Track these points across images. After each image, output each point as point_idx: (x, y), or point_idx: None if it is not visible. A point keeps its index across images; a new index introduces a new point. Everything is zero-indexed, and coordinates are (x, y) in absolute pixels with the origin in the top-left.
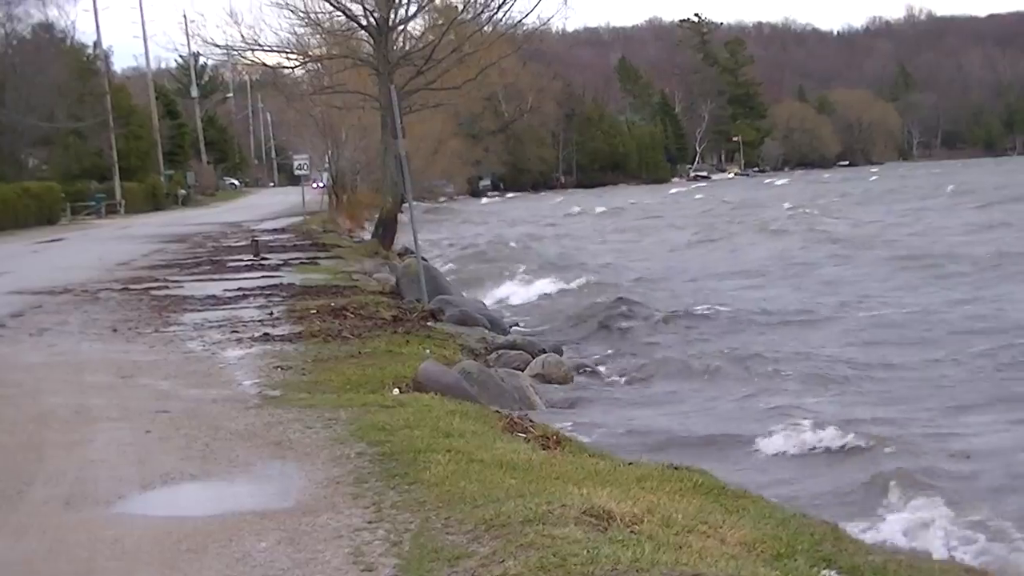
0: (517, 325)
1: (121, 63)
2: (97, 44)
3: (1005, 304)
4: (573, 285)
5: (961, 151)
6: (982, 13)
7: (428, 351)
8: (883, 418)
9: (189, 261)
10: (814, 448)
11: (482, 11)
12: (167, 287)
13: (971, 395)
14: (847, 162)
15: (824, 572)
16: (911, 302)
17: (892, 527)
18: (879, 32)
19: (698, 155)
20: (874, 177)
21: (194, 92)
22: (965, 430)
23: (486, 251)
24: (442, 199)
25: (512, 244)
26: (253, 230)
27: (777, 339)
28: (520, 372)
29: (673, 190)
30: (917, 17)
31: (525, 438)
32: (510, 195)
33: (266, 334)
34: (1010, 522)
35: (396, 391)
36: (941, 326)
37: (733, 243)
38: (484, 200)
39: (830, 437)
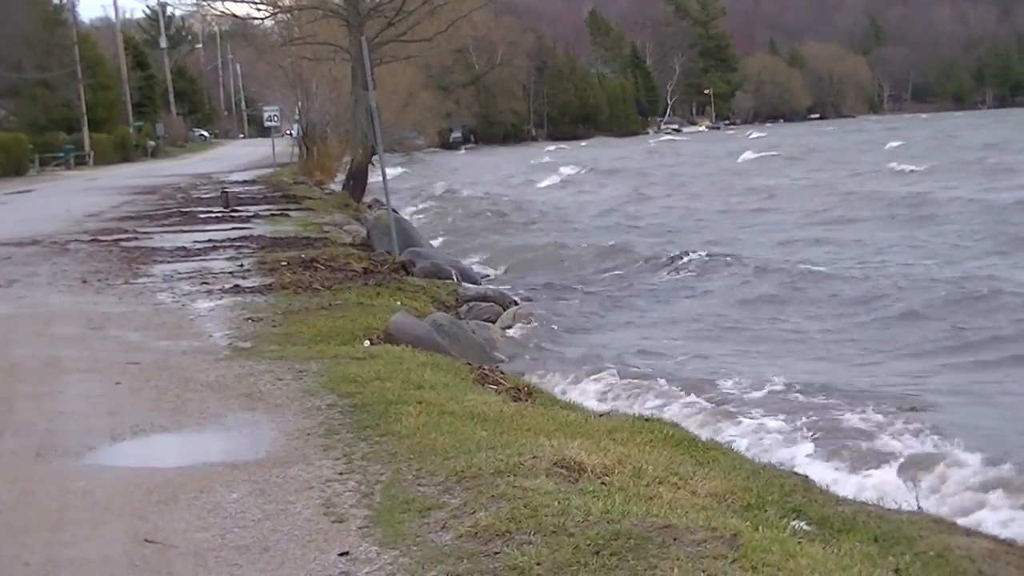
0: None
1: (88, 13)
2: None
3: None
4: None
5: (931, 104)
6: None
7: (399, 303)
8: None
9: (159, 212)
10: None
11: None
12: (137, 238)
13: None
14: (817, 115)
15: (794, 523)
16: None
17: None
18: None
19: (669, 108)
20: (754, 135)
21: (163, 43)
22: None
23: None
24: (415, 152)
25: None
26: (223, 181)
27: None
28: (491, 324)
29: (551, 147)
30: None
31: (496, 390)
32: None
33: (236, 286)
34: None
35: (367, 343)
36: None
37: None
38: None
39: None
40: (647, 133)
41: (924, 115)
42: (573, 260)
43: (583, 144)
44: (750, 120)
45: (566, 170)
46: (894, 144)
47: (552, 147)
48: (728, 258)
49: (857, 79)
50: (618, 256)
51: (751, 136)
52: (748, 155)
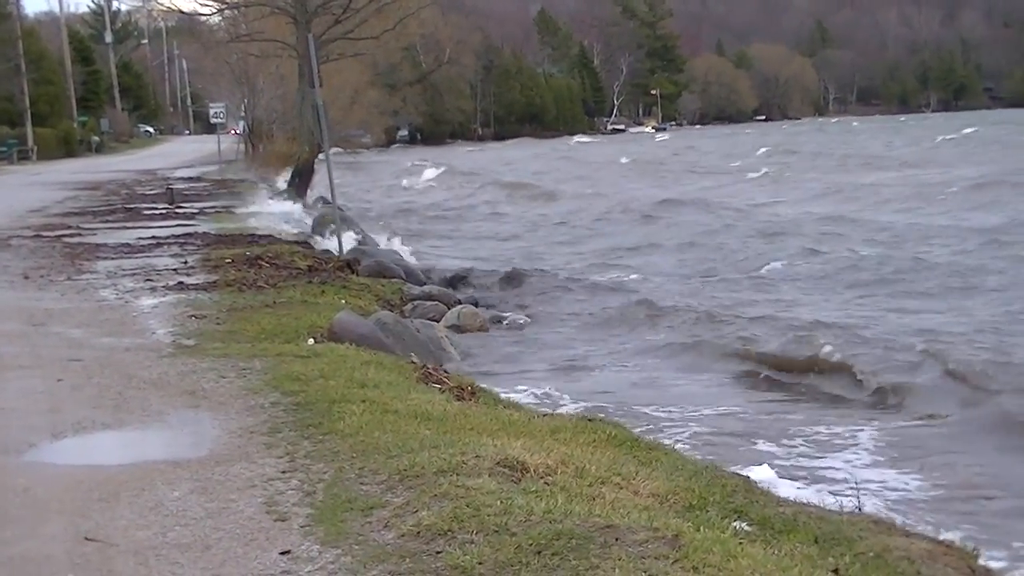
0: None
1: (33, 7)
2: None
3: None
4: None
5: (876, 106)
6: None
7: (344, 301)
8: None
9: (103, 209)
10: None
11: None
12: (80, 235)
13: None
14: (763, 116)
15: (735, 523)
16: None
17: None
18: None
19: (616, 108)
20: (661, 136)
21: (108, 38)
22: None
23: None
24: (360, 150)
25: None
26: (168, 178)
27: None
28: (436, 323)
29: (467, 148)
30: None
31: (440, 389)
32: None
33: (180, 283)
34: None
35: (311, 341)
36: None
37: None
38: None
39: None
40: (585, 133)
41: (856, 122)
42: None
43: (491, 146)
44: (696, 121)
45: (429, 173)
46: (764, 149)
47: (468, 148)
48: None
49: (803, 81)
50: None
51: (656, 139)
52: (623, 159)
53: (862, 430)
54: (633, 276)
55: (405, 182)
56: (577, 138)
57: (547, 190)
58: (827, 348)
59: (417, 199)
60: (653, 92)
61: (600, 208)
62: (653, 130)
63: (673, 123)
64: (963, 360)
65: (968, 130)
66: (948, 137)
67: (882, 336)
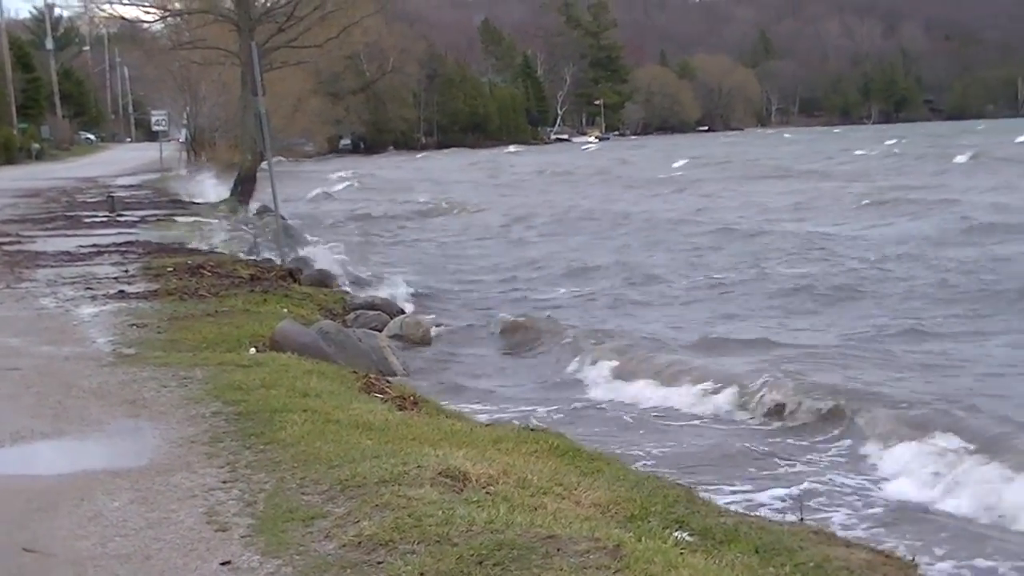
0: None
1: None
2: None
3: None
4: None
5: (818, 118)
6: None
7: (286, 310)
8: None
9: (43, 216)
10: None
11: None
12: (19, 242)
13: None
14: (706, 127)
15: (676, 534)
16: None
17: None
18: None
19: (559, 118)
20: (590, 146)
21: (49, 44)
22: None
23: None
24: (302, 159)
25: None
26: (109, 186)
27: None
28: (378, 332)
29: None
30: None
31: (382, 399)
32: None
33: (121, 291)
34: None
35: (253, 350)
36: None
37: None
38: None
39: None
40: (524, 143)
41: (788, 133)
42: None
43: (418, 156)
44: (640, 131)
45: (342, 184)
46: (681, 162)
47: (401, 158)
48: None
49: (746, 92)
50: None
51: (586, 149)
52: (545, 170)
53: (782, 441)
54: (536, 290)
55: (315, 192)
56: (510, 148)
57: (458, 202)
58: (729, 365)
59: (327, 208)
60: (597, 102)
61: (510, 221)
62: (597, 140)
63: (616, 133)
64: (880, 372)
65: (890, 142)
66: (872, 152)
67: (782, 349)
